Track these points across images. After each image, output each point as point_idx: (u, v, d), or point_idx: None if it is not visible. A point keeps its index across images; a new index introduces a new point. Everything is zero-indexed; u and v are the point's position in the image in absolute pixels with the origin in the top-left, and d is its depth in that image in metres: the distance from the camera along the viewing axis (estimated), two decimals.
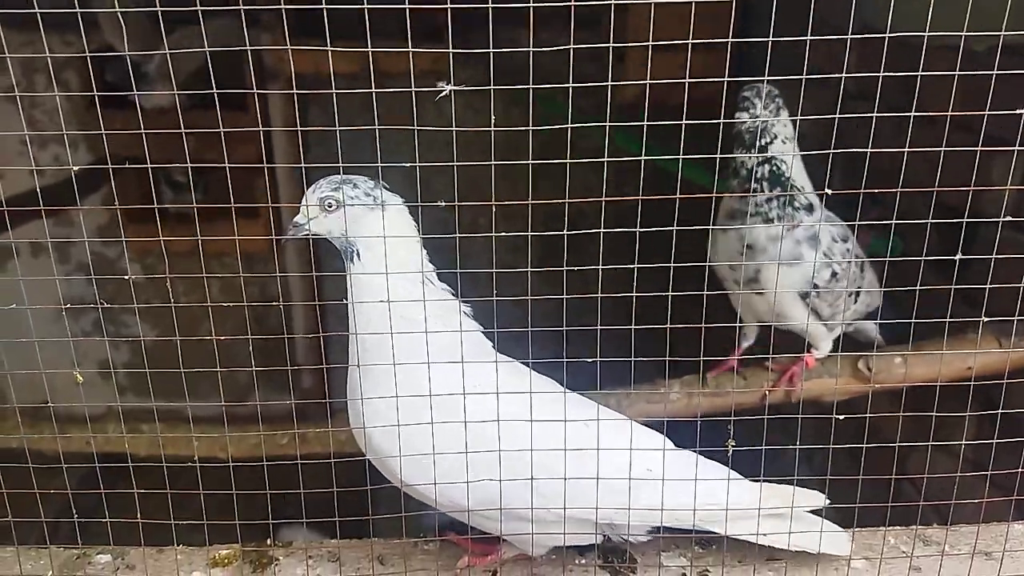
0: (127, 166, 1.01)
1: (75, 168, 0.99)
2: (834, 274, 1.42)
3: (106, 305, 1.02)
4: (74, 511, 1.19)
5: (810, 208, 1.40)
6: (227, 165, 0.93)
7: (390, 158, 0.94)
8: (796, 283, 1.43)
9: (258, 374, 1.04)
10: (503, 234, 0.93)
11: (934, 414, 1.07)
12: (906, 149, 0.92)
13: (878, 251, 2.18)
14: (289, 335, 1.10)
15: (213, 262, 1.01)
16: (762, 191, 1.38)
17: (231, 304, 1.04)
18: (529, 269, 0.94)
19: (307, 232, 1.06)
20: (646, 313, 0.98)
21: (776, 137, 1.37)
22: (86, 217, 2.90)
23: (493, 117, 0.88)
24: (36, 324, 1.06)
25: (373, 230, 1.03)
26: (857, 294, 1.50)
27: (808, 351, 1.65)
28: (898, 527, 1.33)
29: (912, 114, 0.91)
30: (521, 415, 1.02)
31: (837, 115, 0.89)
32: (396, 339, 1.01)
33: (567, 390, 1.17)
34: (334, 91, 0.89)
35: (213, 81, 0.92)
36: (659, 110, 0.90)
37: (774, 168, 1.37)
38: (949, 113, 0.87)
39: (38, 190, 1.81)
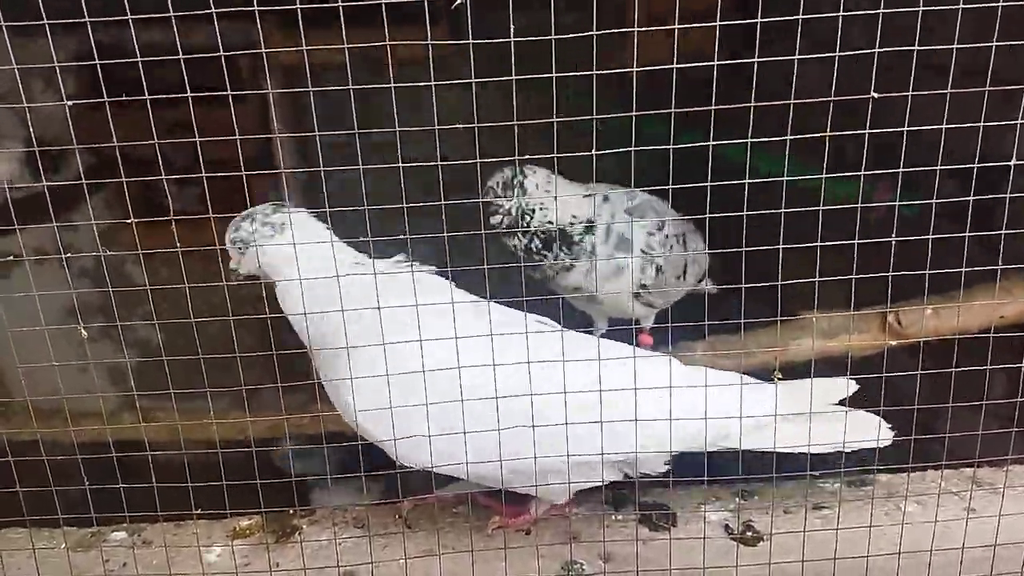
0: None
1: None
2: (659, 268, 1.40)
3: (110, 253, 0.97)
4: (87, 485, 1.14)
5: (591, 229, 1.36)
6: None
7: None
8: (625, 289, 1.41)
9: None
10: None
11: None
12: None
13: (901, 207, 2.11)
14: None
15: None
16: (540, 255, 1.36)
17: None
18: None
19: (242, 276, 1.07)
20: None
21: (534, 211, 1.33)
22: (89, 220, 2.86)
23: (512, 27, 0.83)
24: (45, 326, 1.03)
25: (282, 252, 1.02)
26: (685, 270, 1.46)
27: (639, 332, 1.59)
28: (949, 470, 1.27)
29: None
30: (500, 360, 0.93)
31: (674, 65, 0.83)
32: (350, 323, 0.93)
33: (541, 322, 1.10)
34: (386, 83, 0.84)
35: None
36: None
37: (541, 237, 1.34)
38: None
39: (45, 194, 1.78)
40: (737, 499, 1.25)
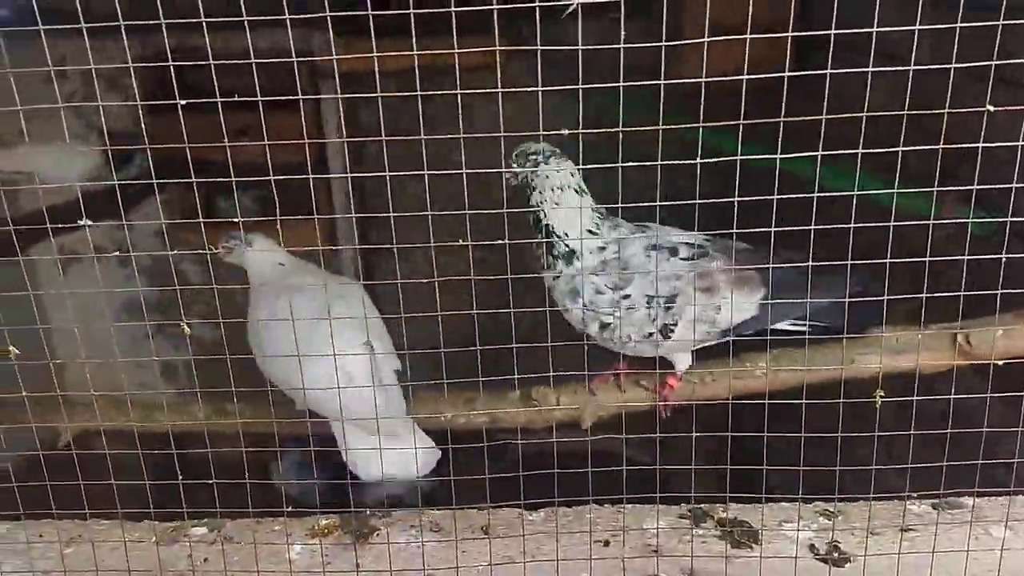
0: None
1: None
2: (604, 324, 1.38)
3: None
4: (180, 480, 1.15)
5: (569, 257, 1.38)
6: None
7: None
8: (580, 328, 1.42)
9: None
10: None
11: None
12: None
13: (970, 225, 2.06)
14: None
15: None
16: (537, 238, 1.42)
17: None
18: None
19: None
20: None
21: (535, 189, 1.39)
22: (145, 221, 2.92)
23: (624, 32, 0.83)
24: (97, 325, 1.07)
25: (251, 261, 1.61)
26: (668, 329, 1.38)
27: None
28: None
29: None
30: None
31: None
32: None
33: None
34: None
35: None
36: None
37: (536, 217, 1.39)
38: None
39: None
40: (821, 518, 1.23)
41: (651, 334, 1.38)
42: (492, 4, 0.84)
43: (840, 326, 1.37)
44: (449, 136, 0.94)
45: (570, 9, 0.84)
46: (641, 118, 0.93)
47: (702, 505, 1.26)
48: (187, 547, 1.25)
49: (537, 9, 0.88)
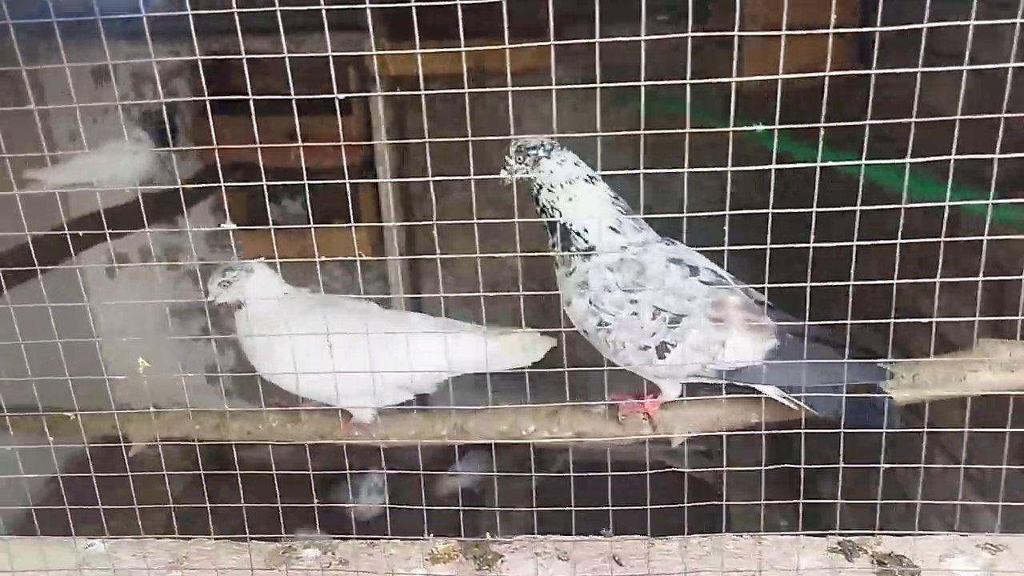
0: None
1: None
2: (603, 323, 1.29)
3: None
4: (317, 501, 1.09)
5: (588, 253, 1.30)
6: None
7: None
8: (579, 325, 1.34)
9: None
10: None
11: None
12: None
13: None
14: None
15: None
16: (550, 236, 1.34)
17: None
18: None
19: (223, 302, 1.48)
20: None
21: (541, 187, 1.30)
22: (194, 225, 2.89)
23: None
24: (146, 330, 1.02)
25: (253, 291, 1.47)
26: (665, 348, 1.29)
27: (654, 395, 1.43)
28: None
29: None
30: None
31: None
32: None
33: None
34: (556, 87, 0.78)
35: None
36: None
37: (546, 214, 1.31)
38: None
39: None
40: (984, 552, 1.13)
41: (646, 347, 1.29)
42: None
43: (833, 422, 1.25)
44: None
45: None
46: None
47: (852, 538, 1.17)
48: (298, 571, 1.18)
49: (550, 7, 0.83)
